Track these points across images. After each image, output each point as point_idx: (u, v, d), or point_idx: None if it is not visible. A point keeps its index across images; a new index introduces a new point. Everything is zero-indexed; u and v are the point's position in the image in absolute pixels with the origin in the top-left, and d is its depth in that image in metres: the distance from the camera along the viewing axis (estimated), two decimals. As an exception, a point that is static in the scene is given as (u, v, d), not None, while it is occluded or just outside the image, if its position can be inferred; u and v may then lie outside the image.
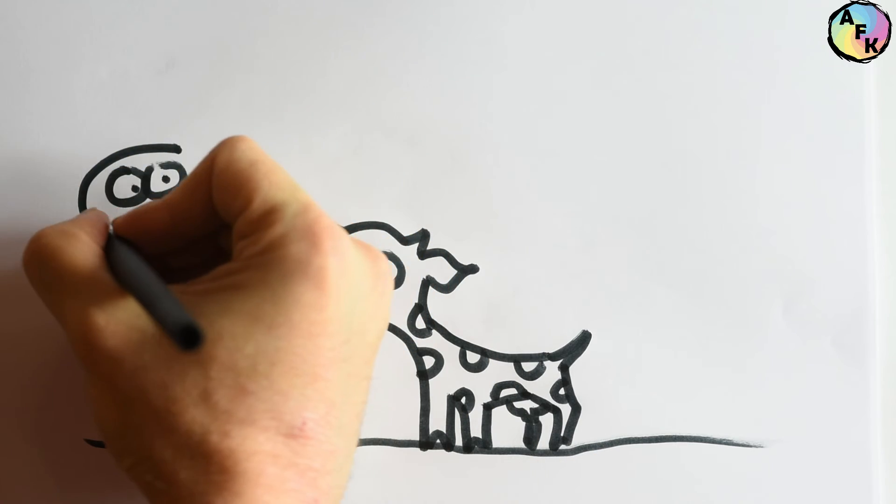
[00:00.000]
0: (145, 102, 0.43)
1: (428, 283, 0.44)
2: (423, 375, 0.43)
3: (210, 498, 0.32)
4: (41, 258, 0.36)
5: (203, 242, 0.39)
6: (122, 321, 0.34)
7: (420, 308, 0.44)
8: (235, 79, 0.43)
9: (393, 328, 0.43)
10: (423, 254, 0.44)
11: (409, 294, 0.43)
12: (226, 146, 0.36)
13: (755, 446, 0.44)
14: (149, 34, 0.43)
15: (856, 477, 0.43)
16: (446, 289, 0.44)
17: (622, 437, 0.43)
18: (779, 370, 0.44)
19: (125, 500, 0.42)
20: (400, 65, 0.44)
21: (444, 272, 0.44)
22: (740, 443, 0.44)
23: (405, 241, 0.44)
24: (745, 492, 0.43)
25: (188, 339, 0.30)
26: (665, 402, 0.43)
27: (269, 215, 0.35)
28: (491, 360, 0.44)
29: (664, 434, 0.43)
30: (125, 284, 0.35)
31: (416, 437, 0.43)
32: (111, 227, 0.39)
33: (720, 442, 0.43)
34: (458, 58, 0.44)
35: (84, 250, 0.36)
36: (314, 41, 0.44)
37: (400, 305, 0.43)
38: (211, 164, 0.36)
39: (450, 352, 0.43)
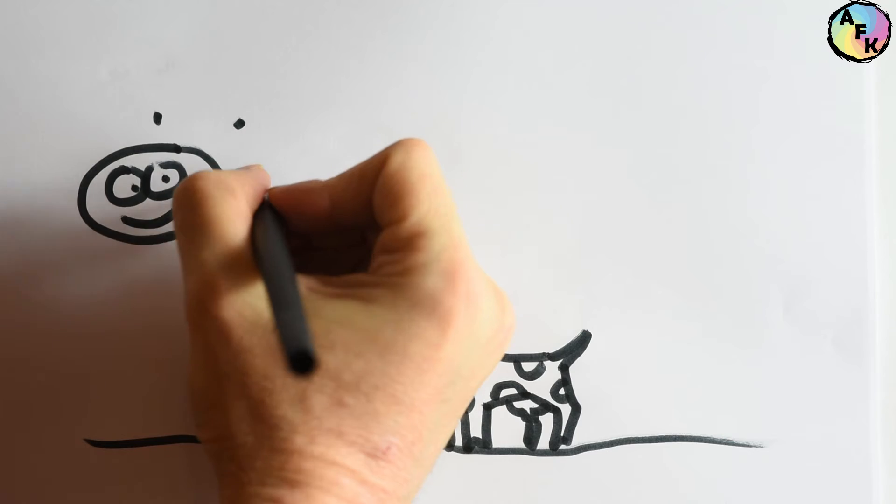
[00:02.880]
0: (145, 102, 0.43)
1: (428, 283, 0.43)
2: (423, 375, 0.43)
3: (281, 492, 0.32)
4: (193, 201, 0.35)
5: (352, 230, 0.38)
6: (243, 297, 0.33)
7: (420, 308, 0.43)
8: (235, 79, 0.43)
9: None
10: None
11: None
12: (402, 149, 0.35)
13: (755, 446, 0.44)
14: (149, 34, 0.43)
15: (856, 477, 0.43)
16: (446, 289, 0.43)
17: (622, 437, 0.43)
18: (779, 370, 0.44)
19: (125, 500, 0.42)
20: (400, 65, 0.44)
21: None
22: (740, 443, 0.44)
23: (405, 241, 0.44)
24: (745, 492, 0.43)
25: (301, 364, 0.29)
26: (665, 402, 0.43)
27: (418, 239, 0.34)
28: (491, 360, 0.43)
29: (664, 434, 0.43)
30: (260, 265, 0.34)
31: (416, 437, 0.43)
32: (267, 195, 0.38)
33: (720, 442, 0.43)
34: (457, 58, 0.44)
35: (236, 211, 0.35)
36: (314, 41, 0.44)
37: (400, 305, 0.43)
38: (382, 163, 0.35)
39: (450, 352, 0.43)
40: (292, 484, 0.32)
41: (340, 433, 0.33)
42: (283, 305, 0.31)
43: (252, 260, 0.34)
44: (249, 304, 0.33)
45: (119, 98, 0.43)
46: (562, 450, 0.43)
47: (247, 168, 0.39)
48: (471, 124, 0.44)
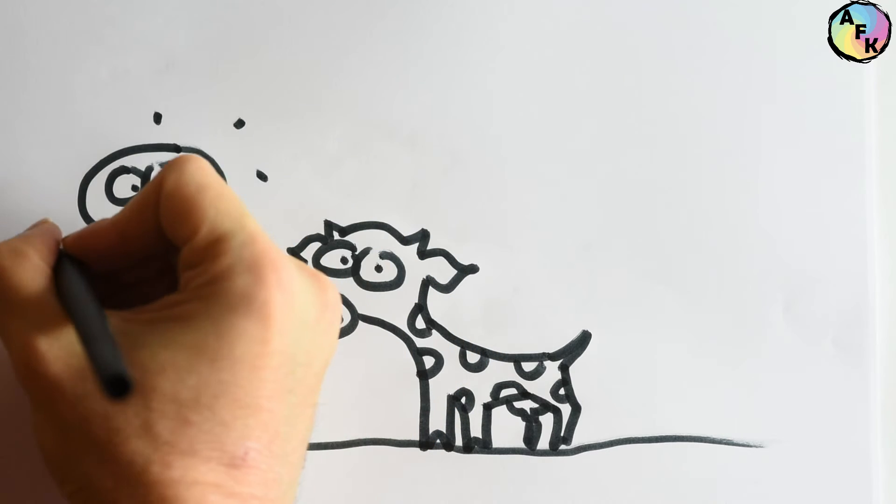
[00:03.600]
0: (145, 102, 0.43)
1: (428, 283, 0.44)
2: (423, 375, 0.43)
3: None
4: None
5: (152, 259, 0.38)
6: (64, 347, 0.34)
7: (420, 308, 0.44)
8: (235, 79, 0.43)
9: (393, 328, 0.43)
10: (423, 254, 0.44)
11: (409, 294, 0.43)
12: (173, 168, 0.36)
13: (755, 446, 0.44)
14: (149, 34, 0.43)
15: (855, 477, 0.43)
16: (446, 289, 0.44)
17: (622, 437, 0.43)
18: (779, 370, 0.44)
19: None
20: (400, 65, 0.44)
21: (444, 272, 0.44)
22: (740, 443, 0.44)
23: (405, 241, 0.44)
24: (745, 492, 0.43)
25: (116, 387, 0.29)
26: (665, 402, 0.43)
27: (216, 246, 0.34)
28: (491, 360, 0.44)
29: (664, 434, 0.43)
30: (68, 311, 0.34)
31: (416, 437, 0.43)
32: (61, 245, 0.38)
33: (720, 442, 0.43)
34: (458, 58, 0.44)
35: (32, 271, 0.35)
36: (314, 41, 0.44)
37: (400, 305, 0.43)
38: (158, 187, 0.36)
39: (450, 352, 0.43)
40: None
41: (194, 452, 0.33)
42: (91, 339, 0.32)
43: (62, 311, 0.34)
44: (74, 353, 0.33)
45: (119, 98, 0.43)
46: (562, 450, 0.43)
47: (34, 226, 0.40)
48: (471, 124, 0.44)
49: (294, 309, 0.34)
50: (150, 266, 0.39)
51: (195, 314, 0.34)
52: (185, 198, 0.35)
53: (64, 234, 0.42)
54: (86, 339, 0.32)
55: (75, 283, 0.35)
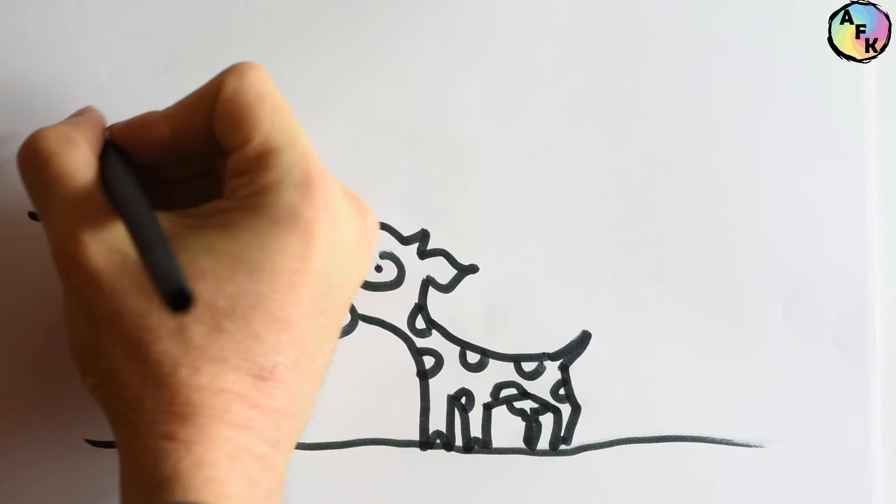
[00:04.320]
0: (145, 102, 0.43)
1: (428, 283, 0.44)
2: (423, 375, 0.43)
3: (173, 428, 0.32)
4: (36, 161, 0.35)
5: (198, 158, 0.38)
6: (106, 241, 0.33)
7: (420, 308, 0.44)
8: (235, 79, 0.43)
9: (393, 328, 0.43)
10: (423, 254, 0.44)
11: (409, 294, 0.43)
12: (234, 73, 0.36)
13: (755, 446, 0.44)
14: (149, 34, 0.43)
15: (855, 477, 0.43)
16: (446, 289, 0.44)
17: (622, 437, 0.43)
18: (779, 370, 0.44)
19: (125, 500, 0.42)
20: (400, 65, 0.44)
21: (444, 272, 0.44)
22: (740, 443, 0.44)
23: (405, 241, 0.44)
24: (745, 492, 0.43)
25: (177, 301, 0.29)
26: (665, 402, 0.43)
27: (266, 158, 0.34)
28: (491, 360, 0.44)
29: (664, 434, 0.43)
30: (118, 209, 0.34)
31: (416, 437, 0.43)
32: (107, 134, 0.38)
33: (720, 442, 0.43)
34: (458, 58, 0.44)
35: (81, 160, 0.35)
36: (314, 41, 0.43)
37: (400, 305, 0.43)
38: (217, 89, 0.36)
39: (450, 352, 0.43)
40: (183, 417, 0.32)
41: (224, 359, 0.33)
42: (150, 245, 0.31)
43: (108, 204, 0.34)
44: (116, 248, 0.33)
45: (119, 98, 0.43)
46: (562, 450, 0.43)
47: (80, 113, 0.39)
48: (471, 124, 0.44)
49: (336, 230, 0.34)
50: (192, 164, 0.39)
51: (239, 223, 0.34)
52: (242, 105, 0.35)
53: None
54: (142, 244, 0.32)
55: (126, 180, 0.35)
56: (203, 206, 0.35)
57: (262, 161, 0.34)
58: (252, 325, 0.33)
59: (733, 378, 0.44)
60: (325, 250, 0.34)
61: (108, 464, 0.43)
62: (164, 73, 0.43)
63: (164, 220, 0.35)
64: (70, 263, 0.34)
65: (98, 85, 0.43)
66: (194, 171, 0.39)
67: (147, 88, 0.43)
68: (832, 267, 0.44)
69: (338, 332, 0.37)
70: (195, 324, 0.33)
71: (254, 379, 0.33)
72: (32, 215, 0.43)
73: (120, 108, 0.43)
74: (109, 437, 0.43)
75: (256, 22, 0.43)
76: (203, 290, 0.33)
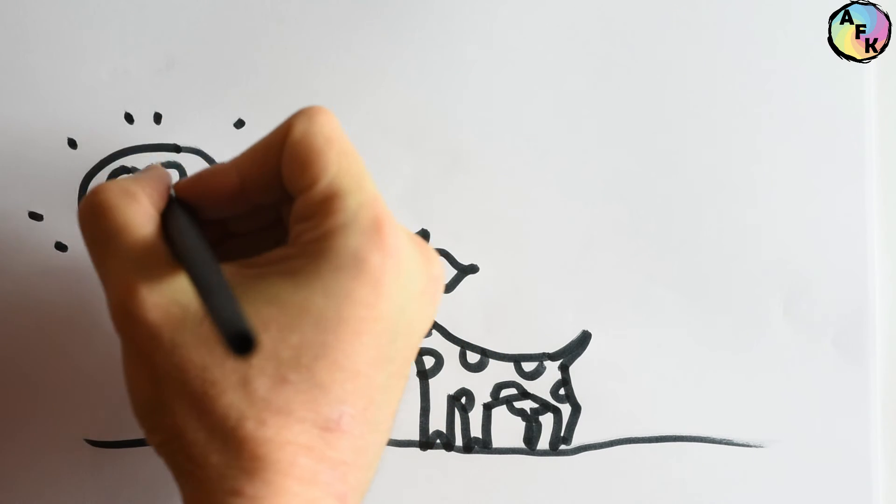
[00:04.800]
0: (145, 102, 0.43)
1: (428, 283, 0.44)
2: (423, 375, 0.43)
3: (240, 484, 0.32)
4: (96, 214, 0.35)
5: (265, 210, 0.38)
6: (165, 295, 0.33)
7: (420, 308, 0.44)
8: (235, 79, 0.43)
9: (393, 328, 0.43)
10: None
11: (409, 294, 0.43)
12: (305, 116, 0.35)
13: (755, 446, 0.44)
14: (149, 34, 0.43)
15: (856, 477, 0.43)
16: (446, 289, 0.44)
17: (622, 437, 0.43)
18: (779, 370, 0.44)
19: (125, 500, 0.42)
20: (400, 65, 0.44)
21: (444, 272, 0.44)
22: (740, 443, 0.44)
23: (405, 241, 0.44)
24: (745, 492, 0.43)
25: (241, 345, 0.29)
26: (665, 402, 0.43)
27: (332, 202, 0.34)
28: (491, 360, 0.44)
29: (664, 434, 0.43)
30: (180, 259, 0.33)
31: (416, 437, 0.43)
32: (172, 190, 0.37)
33: (720, 442, 0.43)
34: (458, 58, 0.44)
35: (142, 214, 0.35)
36: (314, 41, 0.44)
37: (400, 305, 0.43)
38: (286, 133, 0.35)
39: (450, 352, 0.43)
40: (250, 473, 0.32)
41: (290, 412, 0.32)
42: (211, 291, 0.31)
43: (169, 258, 0.34)
44: (175, 301, 0.33)
45: (119, 98, 0.43)
46: (562, 450, 0.43)
47: (146, 170, 0.39)
48: (471, 125, 0.44)
49: (402, 277, 0.34)
50: (260, 217, 0.38)
51: (303, 271, 0.33)
52: (311, 147, 0.34)
53: (59, 237, 0.43)
54: (204, 289, 0.31)
55: (189, 231, 0.34)
56: (266, 254, 0.35)
57: (327, 205, 0.34)
58: (317, 376, 0.32)
59: (733, 378, 0.44)
60: (391, 297, 0.33)
61: (108, 464, 0.43)
62: (164, 73, 0.43)
63: (227, 271, 0.34)
64: (129, 318, 0.33)
65: (98, 85, 0.43)
66: (262, 223, 0.38)
67: (147, 88, 0.43)
68: (832, 267, 0.44)
69: (405, 380, 0.36)
70: (259, 376, 0.32)
71: (320, 430, 0.33)
72: (32, 215, 0.43)
73: (120, 109, 0.43)
74: (109, 437, 0.43)
75: (256, 22, 0.43)
76: (266, 340, 0.32)
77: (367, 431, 0.34)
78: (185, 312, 0.33)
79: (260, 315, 0.32)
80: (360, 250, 0.33)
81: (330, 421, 0.33)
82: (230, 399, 0.32)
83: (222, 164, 0.37)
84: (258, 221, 0.38)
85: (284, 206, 0.37)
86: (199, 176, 0.37)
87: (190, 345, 0.33)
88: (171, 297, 0.33)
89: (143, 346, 0.33)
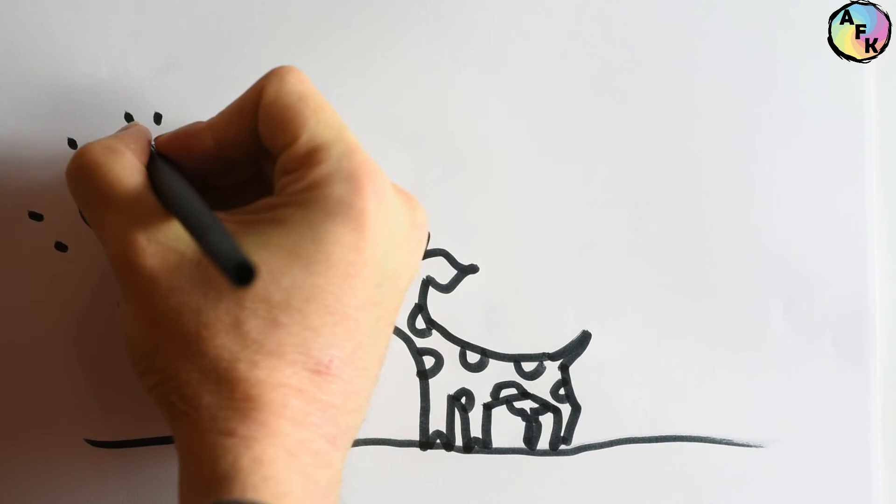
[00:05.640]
0: (145, 102, 0.43)
1: (428, 283, 0.44)
2: (423, 375, 0.43)
3: (233, 424, 0.32)
4: (85, 173, 0.36)
5: (243, 164, 0.39)
6: (161, 242, 0.34)
7: (420, 308, 0.44)
8: (235, 79, 0.43)
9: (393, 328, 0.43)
10: (424, 254, 0.44)
11: (410, 294, 0.43)
12: (275, 77, 0.36)
13: (755, 446, 0.44)
14: (149, 34, 0.43)
15: (856, 477, 0.43)
16: (446, 289, 0.44)
17: (622, 437, 0.43)
18: (779, 370, 0.44)
19: (125, 500, 0.42)
20: (400, 65, 0.44)
21: (444, 272, 0.44)
22: (740, 443, 0.44)
23: (405, 241, 0.44)
24: (745, 492, 0.43)
25: (241, 275, 0.29)
26: (665, 402, 0.43)
27: (315, 154, 0.35)
28: (491, 360, 0.44)
29: (664, 434, 0.43)
30: (170, 207, 0.35)
31: (416, 437, 0.43)
32: (153, 145, 0.39)
33: (720, 442, 0.43)
34: (457, 58, 0.44)
35: (128, 167, 0.36)
36: (314, 41, 0.43)
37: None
38: (259, 94, 0.36)
39: (450, 352, 0.43)
40: (243, 413, 0.33)
41: (281, 354, 0.33)
42: (206, 229, 0.32)
43: (159, 206, 0.35)
44: (171, 248, 0.34)
45: (119, 98, 0.43)
46: (562, 450, 0.43)
47: (124, 128, 0.40)
48: (471, 124, 0.44)
49: (388, 222, 0.35)
50: (238, 171, 0.39)
51: (291, 218, 0.34)
52: (286, 106, 0.36)
53: (59, 237, 0.42)
54: (198, 230, 0.32)
55: (175, 179, 0.36)
56: (254, 203, 0.36)
57: (310, 157, 0.35)
58: (308, 318, 0.33)
59: (733, 378, 0.44)
60: (377, 241, 0.34)
61: (108, 464, 0.43)
62: (164, 73, 0.43)
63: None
64: (128, 267, 0.34)
65: (98, 85, 0.43)
66: (240, 177, 0.40)
67: (147, 88, 0.43)
68: (832, 267, 0.44)
69: (391, 327, 0.37)
70: (251, 318, 0.33)
71: (310, 373, 0.33)
72: (32, 215, 0.43)
73: (120, 108, 0.43)
74: (109, 437, 0.43)
75: (256, 22, 0.43)
76: (258, 283, 0.33)
77: (355, 376, 0.34)
78: (181, 258, 0.34)
79: (251, 259, 0.33)
80: (346, 196, 0.34)
81: (320, 364, 0.33)
82: (223, 341, 0.33)
83: (197, 126, 0.38)
84: (237, 176, 0.39)
85: (263, 161, 0.38)
86: (176, 135, 0.38)
87: (185, 288, 0.34)
88: (167, 244, 0.34)
89: (141, 291, 0.34)
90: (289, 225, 0.34)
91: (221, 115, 0.38)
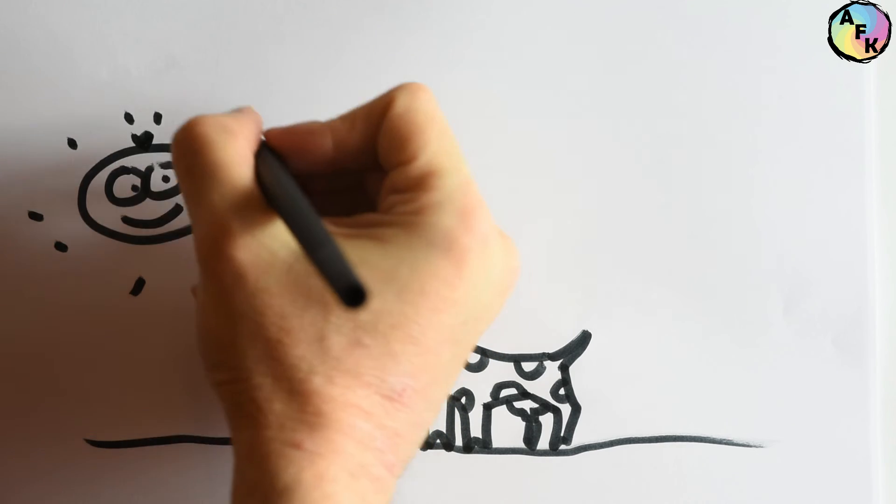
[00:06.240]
0: (145, 102, 0.43)
1: (428, 283, 0.43)
2: (423, 375, 0.43)
3: (300, 436, 0.32)
4: (194, 146, 0.34)
5: (348, 172, 0.38)
6: (258, 238, 0.33)
7: (420, 308, 0.43)
8: (235, 79, 0.43)
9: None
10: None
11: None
12: (406, 91, 0.35)
13: (755, 446, 0.44)
14: (149, 34, 0.43)
15: (856, 477, 0.43)
16: (446, 289, 0.43)
17: (622, 437, 0.43)
18: (779, 370, 0.44)
19: (125, 500, 0.42)
20: (400, 64, 0.44)
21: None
22: (740, 443, 0.44)
23: (405, 241, 0.44)
24: (745, 492, 0.43)
25: (352, 297, 0.29)
26: (665, 402, 0.43)
27: (429, 178, 0.34)
28: (491, 360, 0.44)
29: (664, 434, 0.43)
30: (276, 205, 0.33)
31: (416, 437, 0.43)
32: (263, 136, 0.37)
33: (720, 442, 0.44)
34: (457, 58, 0.44)
35: (240, 152, 0.35)
36: (314, 41, 0.44)
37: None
38: (388, 105, 0.35)
39: (450, 352, 0.43)
40: (311, 426, 0.32)
41: (358, 374, 0.33)
42: (319, 242, 0.31)
43: (262, 201, 0.34)
44: (265, 246, 0.33)
45: (119, 98, 0.43)
46: (562, 450, 0.43)
47: (240, 110, 0.38)
48: (470, 124, 0.44)
49: (486, 264, 0.34)
50: (342, 179, 0.38)
51: (394, 240, 0.33)
52: (411, 123, 0.35)
53: (58, 237, 0.43)
54: (310, 241, 0.31)
55: (287, 179, 0.34)
56: (357, 216, 0.35)
57: (425, 180, 0.34)
58: (390, 344, 0.33)
59: (733, 378, 0.44)
60: (473, 281, 0.34)
61: (109, 464, 0.43)
62: (164, 73, 0.43)
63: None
64: (218, 255, 0.33)
65: (98, 85, 0.43)
66: (342, 185, 0.39)
67: (147, 88, 0.43)
68: (832, 267, 0.44)
69: (462, 366, 0.36)
70: (335, 334, 0.32)
71: (382, 398, 0.33)
72: (32, 215, 0.43)
73: (120, 109, 0.43)
74: (109, 437, 0.43)
75: (256, 22, 0.43)
76: None
77: (424, 409, 0.34)
78: (273, 258, 0.33)
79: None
80: (452, 230, 0.33)
81: (394, 391, 0.33)
82: (303, 351, 0.32)
83: (317, 124, 0.37)
84: (340, 183, 0.38)
85: (368, 174, 0.37)
86: (293, 130, 0.37)
87: (273, 291, 0.33)
88: (263, 241, 0.33)
89: (226, 284, 0.33)
90: (389, 247, 0.33)
91: (344, 118, 0.37)
